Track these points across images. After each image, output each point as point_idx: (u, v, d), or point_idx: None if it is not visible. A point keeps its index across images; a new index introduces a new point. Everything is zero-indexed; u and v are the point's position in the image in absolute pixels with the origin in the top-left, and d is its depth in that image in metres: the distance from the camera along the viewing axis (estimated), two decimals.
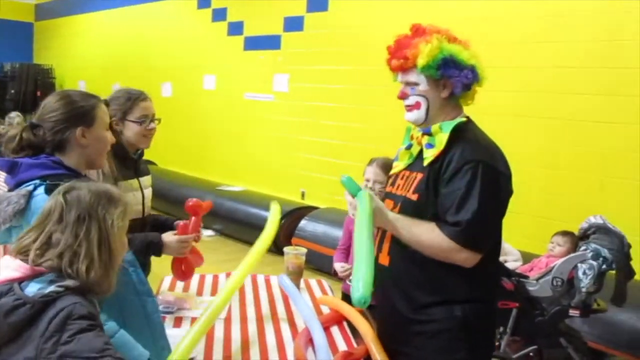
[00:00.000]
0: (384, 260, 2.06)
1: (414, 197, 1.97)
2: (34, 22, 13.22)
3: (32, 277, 1.37)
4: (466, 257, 1.88)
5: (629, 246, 3.30)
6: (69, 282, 1.36)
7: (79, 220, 1.41)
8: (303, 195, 7.15)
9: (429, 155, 1.95)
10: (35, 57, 13.03)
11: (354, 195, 1.98)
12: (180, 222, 2.51)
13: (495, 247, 2.06)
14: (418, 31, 2.01)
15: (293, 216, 6.50)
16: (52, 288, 1.34)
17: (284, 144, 7.40)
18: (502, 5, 5.19)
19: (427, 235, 1.90)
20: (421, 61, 1.92)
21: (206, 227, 7.37)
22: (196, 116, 8.72)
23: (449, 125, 1.95)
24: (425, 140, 2.00)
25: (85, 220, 1.42)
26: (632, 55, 4.42)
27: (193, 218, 2.52)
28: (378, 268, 2.10)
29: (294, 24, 7.25)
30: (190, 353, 1.84)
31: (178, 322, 2.35)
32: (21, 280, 1.37)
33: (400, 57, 1.98)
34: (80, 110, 1.82)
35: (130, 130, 2.46)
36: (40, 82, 11.66)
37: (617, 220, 3.48)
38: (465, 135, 1.96)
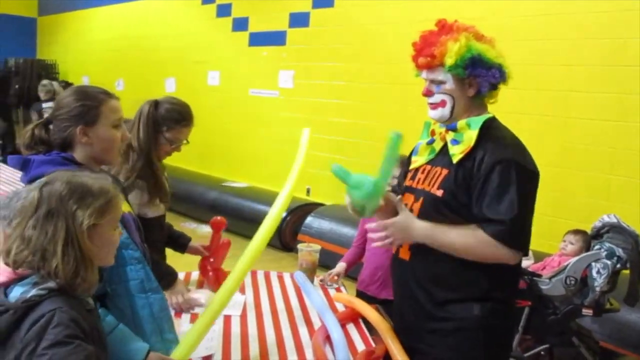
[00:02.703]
0: (405, 254, 2.04)
1: (439, 192, 1.94)
2: (37, 18, 13.18)
3: (18, 280, 1.33)
4: (511, 256, 1.87)
5: None
6: (51, 284, 1.31)
7: (47, 217, 1.34)
8: (308, 192, 7.13)
9: (457, 152, 1.92)
10: (38, 53, 12.99)
11: (346, 183, 1.92)
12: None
13: None
14: (444, 28, 1.97)
15: (298, 213, 6.49)
16: (33, 292, 1.30)
17: (289, 140, 7.34)
18: (511, 2, 5.16)
19: (469, 237, 1.86)
20: (449, 60, 1.89)
21: None
22: (200, 112, 8.52)
23: (478, 122, 1.92)
24: (450, 136, 1.97)
25: (54, 217, 1.34)
26: None
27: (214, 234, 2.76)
28: (398, 263, 2.09)
29: (299, 20, 7.22)
30: (193, 350, 1.81)
31: (194, 317, 2.32)
32: (7, 285, 1.33)
33: (427, 55, 1.94)
34: (81, 109, 1.77)
35: (159, 141, 2.50)
36: (44, 77, 11.58)
37: (625, 219, 3.46)
38: (494, 133, 1.94)
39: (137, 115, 2.47)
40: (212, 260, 2.70)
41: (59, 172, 1.43)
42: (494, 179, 1.85)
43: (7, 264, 1.35)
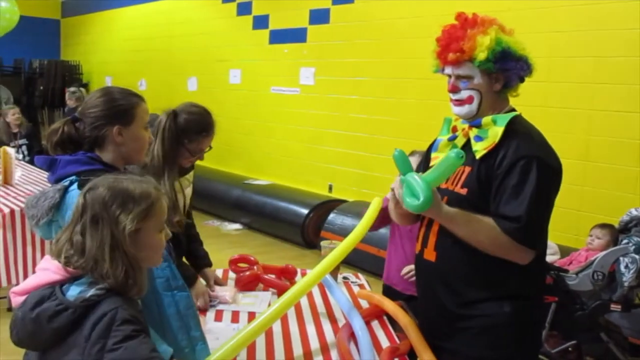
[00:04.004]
0: (430, 256, 2.02)
1: (463, 191, 1.92)
2: (60, 19, 13.36)
3: (72, 279, 1.35)
4: (523, 255, 1.85)
5: None
6: (108, 284, 1.33)
7: (92, 223, 1.36)
8: (330, 188, 7.13)
9: (480, 149, 1.90)
10: (62, 54, 13.17)
11: (404, 174, 1.84)
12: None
13: (543, 244, 2.01)
14: (468, 21, 1.93)
15: (321, 210, 6.50)
16: (92, 291, 1.31)
17: (311, 138, 7.38)
18: None
19: (485, 232, 1.84)
20: (481, 55, 1.85)
21: (234, 221, 7.41)
22: (222, 110, 8.61)
23: (504, 119, 1.89)
24: (473, 132, 1.94)
25: (99, 223, 1.36)
26: None
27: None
28: (423, 264, 2.07)
29: (319, 16, 7.21)
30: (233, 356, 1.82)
31: (219, 315, 2.34)
32: (62, 283, 1.35)
33: (456, 50, 1.89)
34: (119, 109, 1.81)
35: (181, 153, 2.40)
36: (68, 78, 11.78)
37: None
38: (519, 129, 1.90)
39: (155, 129, 2.33)
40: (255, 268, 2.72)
41: (102, 178, 1.44)
42: (514, 175, 1.82)
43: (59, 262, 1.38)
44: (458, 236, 1.89)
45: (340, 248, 2.22)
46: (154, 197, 1.44)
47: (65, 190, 1.70)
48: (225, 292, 2.49)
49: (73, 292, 1.32)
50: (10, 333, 1.36)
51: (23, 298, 1.37)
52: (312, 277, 2.11)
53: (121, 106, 1.82)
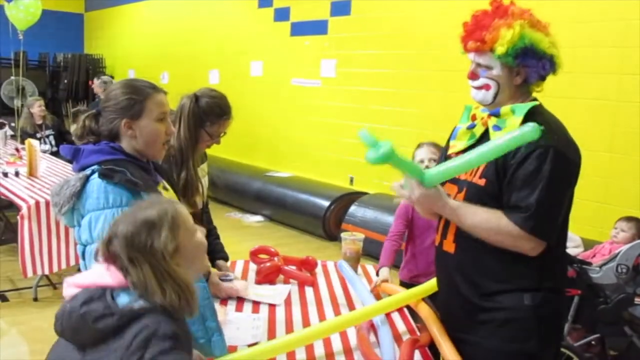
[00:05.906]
0: (449, 247, 2.00)
1: (481, 182, 1.90)
2: (84, 13, 13.50)
3: (124, 287, 1.36)
4: (532, 246, 1.81)
5: None
6: (157, 300, 1.34)
7: (131, 263, 1.36)
8: (352, 181, 7.13)
9: None
10: (86, 48, 13.32)
11: (371, 147, 1.84)
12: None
13: (563, 235, 1.98)
14: (499, 10, 1.88)
15: (342, 202, 6.51)
16: (141, 302, 1.33)
17: (332, 130, 7.37)
18: None
19: (492, 222, 1.82)
20: (500, 49, 1.82)
21: (255, 213, 7.45)
22: (244, 103, 8.72)
23: (523, 109, 1.86)
24: (492, 121, 1.92)
25: (135, 261, 1.35)
26: None
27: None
28: (442, 255, 2.06)
29: (340, 8, 7.19)
30: None
31: (240, 306, 2.36)
32: (113, 288, 1.36)
33: (477, 40, 1.87)
34: (127, 102, 1.81)
35: (201, 136, 2.46)
36: (92, 71, 11.91)
37: None
38: (537, 119, 1.86)
39: (178, 112, 2.42)
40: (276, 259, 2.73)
41: (114, 222, 1.42)
42: (528, 165, 1.79)
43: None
44: (465, 228, 1.87)
45: (398, 297, 2.28)
46: (171, 210, 1.42)
47: (87, 179, 1.73)
48: (242, 285, 2.49)
49: (123, 299, 1.34)
50: (55, 322, 1.39)
51: (75, 291, 1.39)
52: (356, 315, 2.15)
53: (130, 99, 1.81)
